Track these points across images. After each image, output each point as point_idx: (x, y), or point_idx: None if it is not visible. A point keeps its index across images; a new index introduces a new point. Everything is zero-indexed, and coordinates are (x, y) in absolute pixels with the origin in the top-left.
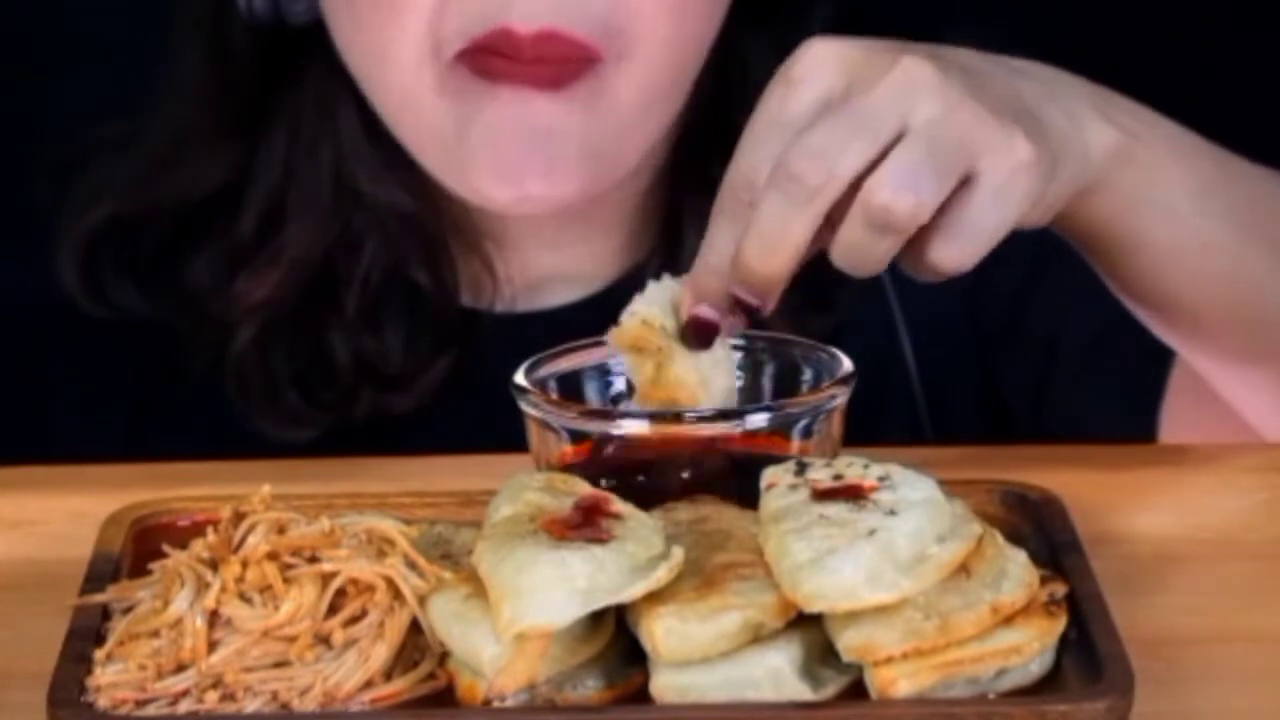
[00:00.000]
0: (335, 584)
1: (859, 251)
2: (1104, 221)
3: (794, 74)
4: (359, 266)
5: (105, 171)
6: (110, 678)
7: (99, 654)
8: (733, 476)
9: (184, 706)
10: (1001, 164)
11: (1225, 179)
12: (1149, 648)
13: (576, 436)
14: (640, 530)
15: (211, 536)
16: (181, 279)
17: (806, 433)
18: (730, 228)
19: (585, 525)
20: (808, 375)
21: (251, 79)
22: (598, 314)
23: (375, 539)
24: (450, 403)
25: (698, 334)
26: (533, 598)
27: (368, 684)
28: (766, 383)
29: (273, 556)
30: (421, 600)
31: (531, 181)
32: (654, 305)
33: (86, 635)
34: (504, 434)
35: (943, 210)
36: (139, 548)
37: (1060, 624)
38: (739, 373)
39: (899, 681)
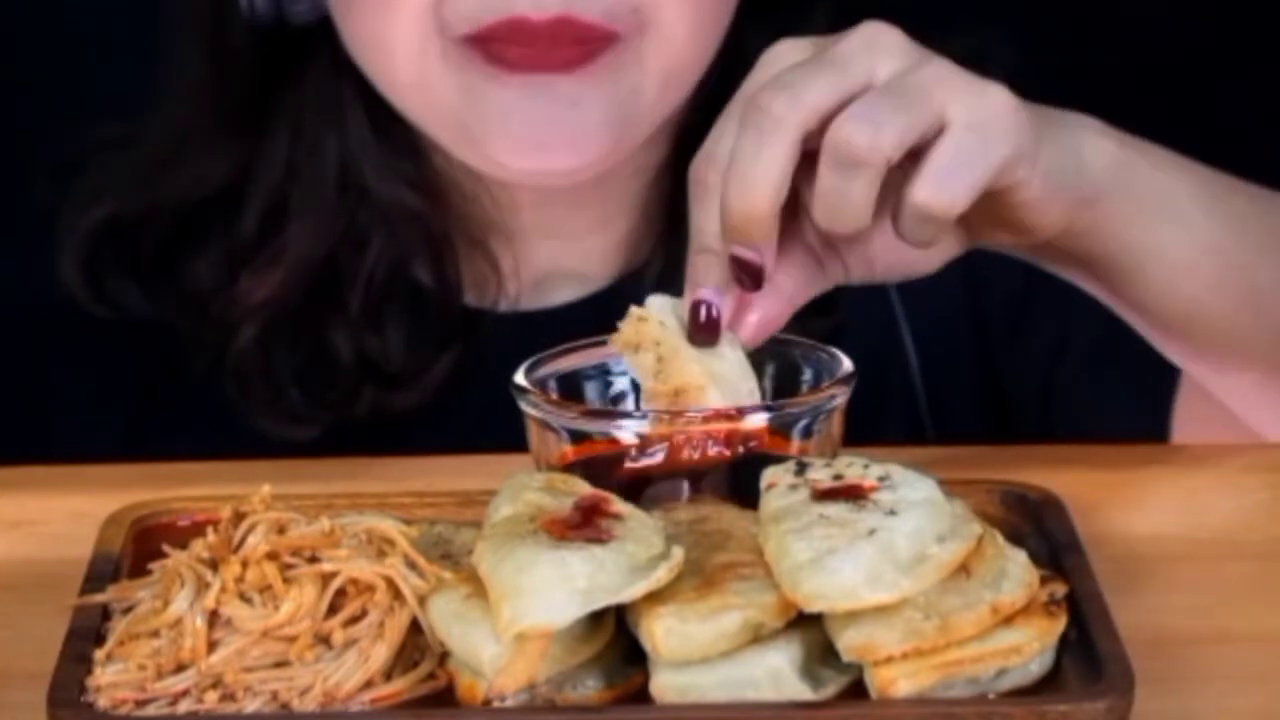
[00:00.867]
0: (335, 584)
1: (834, 199)
2: (1113, 233)
3: (761, 61)
4: (363, 264)
5: (105, 171)
6: (110, 678)
7: (99, 654)
8: (732, 477)
9: (184, 706)
10: (976, 106)
11: (1227, 187)
12: (1149, 648)
13: (576, 436)
14: (640, 530)
15: (211, 536)
16: (182, 279)
17: (806, 433)
18: (710, 204)
19: (585, 525)
20: (808, 375)
21: (252, 78)
22: (600, 313)
23: (375, 539)
24: (452, 401)
25: (701, 325)
26: (533, 598)
27: (368, 684)
28: (766, 383)
29: (273, 556)
30: (421, 600)
31: (555, 153)
32: (653, 308)
33: (86, 635)
34: (506, 431)
35: (923, 156)
36: (139, 548)
37: (1060, 624)
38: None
39: (899, 681)
